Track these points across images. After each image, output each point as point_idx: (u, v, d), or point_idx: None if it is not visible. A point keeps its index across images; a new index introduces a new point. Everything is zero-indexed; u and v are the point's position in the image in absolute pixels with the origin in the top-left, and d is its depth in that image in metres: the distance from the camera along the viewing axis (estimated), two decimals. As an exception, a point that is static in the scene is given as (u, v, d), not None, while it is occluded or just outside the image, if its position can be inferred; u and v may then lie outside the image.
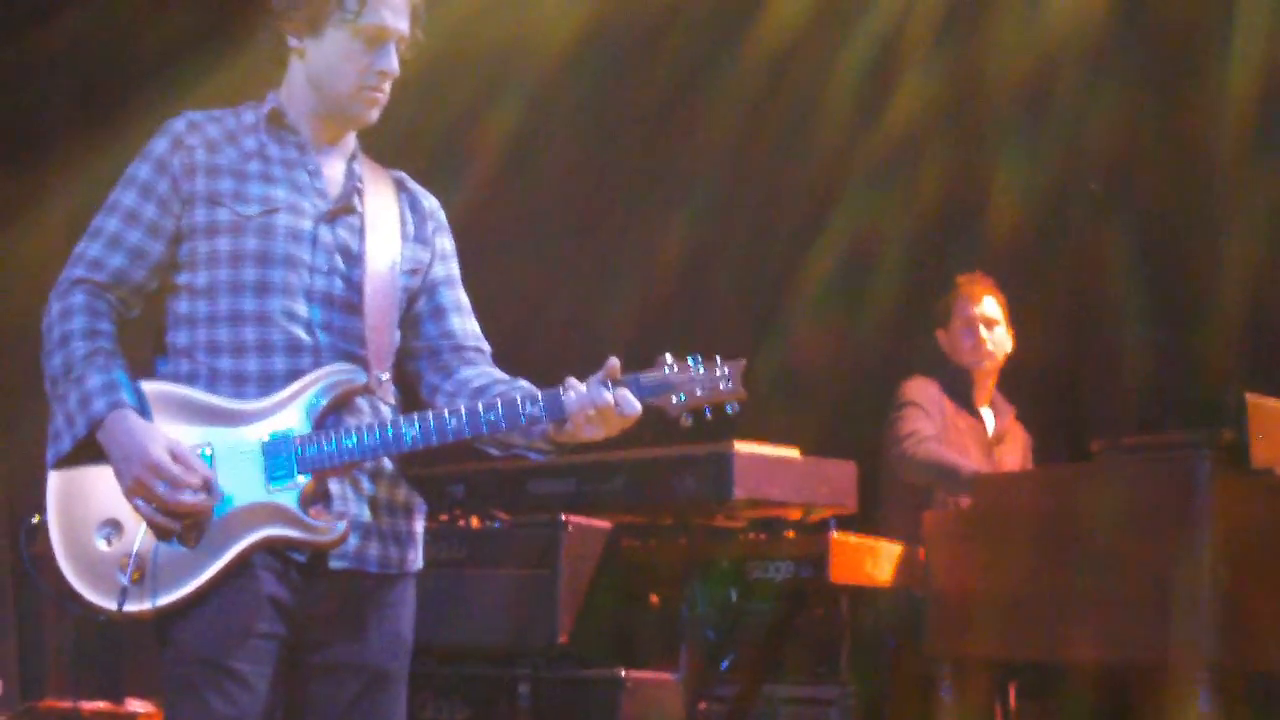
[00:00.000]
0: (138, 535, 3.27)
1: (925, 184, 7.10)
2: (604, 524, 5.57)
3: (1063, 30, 6.72)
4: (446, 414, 3.33)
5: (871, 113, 7.10)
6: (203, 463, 3.28)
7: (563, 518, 5.43)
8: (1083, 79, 6.76)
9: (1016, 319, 6.18)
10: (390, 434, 3.32)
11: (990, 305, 6.08)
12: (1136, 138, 6.71)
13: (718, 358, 3.36)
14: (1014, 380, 6.22)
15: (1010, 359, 6.13)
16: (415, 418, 3.33)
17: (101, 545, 3.29)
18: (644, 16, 7.01)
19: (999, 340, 6.08)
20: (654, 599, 5.57)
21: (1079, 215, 6.92)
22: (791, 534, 5.54)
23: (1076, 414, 6.85)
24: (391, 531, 3.45)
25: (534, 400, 3.32)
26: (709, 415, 3.35)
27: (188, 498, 3.25)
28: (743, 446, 5.33)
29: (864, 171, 7.16)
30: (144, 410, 3.31)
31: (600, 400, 3.28)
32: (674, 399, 3.33)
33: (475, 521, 5.57)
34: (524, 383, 3.47)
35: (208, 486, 3.26)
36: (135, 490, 3.26)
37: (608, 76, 7.30)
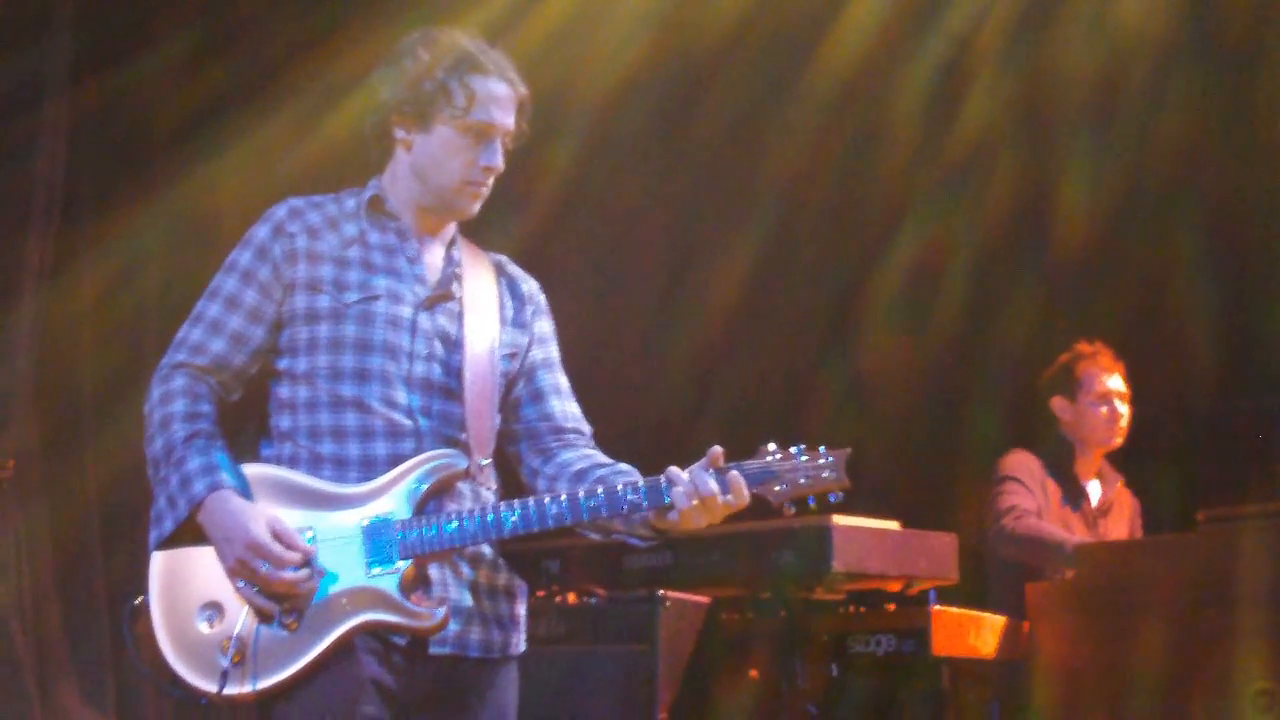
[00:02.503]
0: (239, 618, 3.28)
1: (993, 195, 7.05)
2: (702, 598, 5.52)
3: (1130, 31, 6.66)
4: (547, 500, 3.32)
5: (939, 128, 7.08)
6: (304, 541, 3.29)
7: (660, 593, 5.39)
8: (1151, 75, 6.70)
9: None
10: (491, 520, 3.32)
11: (1121, 381, 5.99)
12: (1204, 131, 6.65)
13: (822, 447, 3.33)
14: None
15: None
16: (516, 504, 3.33)
17: (203, 628, 3.30)
18: (710, 38, 7.04)
19: (1128, 415, 5.98)
20: (754, 673, 5.51)
21: (1146, 218, 6.86)
22: (892, 607, 5.49)
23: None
24: (493, 616, 3.45)
25: (635, 488, 3.31)
26: (812, 504, 3.32)
27: (289, 575, 3.26)
28: (841, 519, 5.28)
29: (932, 186, 7.15)
30: (246, 492, 3.33)
31: (705, 489, 3.26)
32: (777, 488, 3.30)
33: (572, 598, 5.55)
34: (625, 467, 3.46)
35: (309, 564, 3.27)
36: (237, 570, 3.28)
37: (672, 102, 7.34)
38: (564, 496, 3.32)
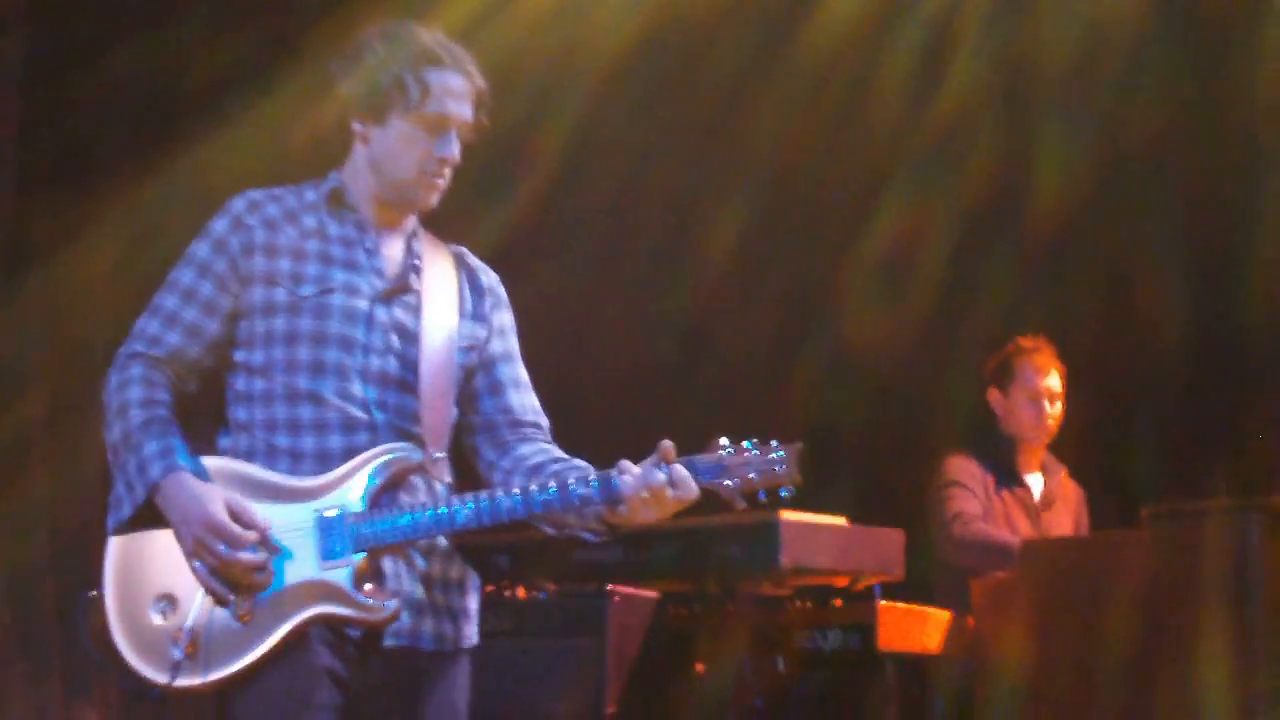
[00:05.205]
0: (192, 609, 3.29)
1: (971, 173, 7.09)
2: (650, 593, 5.55)
3: (1106, 14, 6.68)
4: (500, 494, 3.34)
5: (918, 106, 7.11)
6: (261, 517, 3.30)
7: (609, 587, 5.41)
8: (1126, 60, 6.73)
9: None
10: (444, 513, 3.33)
11: (1056, 380, 6.00)
12: (1178, 117, 6.68)
13: (773, 441, 3.34)
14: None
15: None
16: (469, 497, 3.34)
17: (156, 619, 3.31)
18: (689, 21, 7.04)
19: (1058, 415, 6.02)
20: (700, 668, 5.54)
21: (1120, 199, 6.90)
22: (839, 602, 5.52)
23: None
24: (446, 608, 3.47)
25: (586, 481, 3.33)
26: (763, 498, 3.34)
27: (246, 556, 3.27)
28: (789, 515, 5.29)
29: (911, 164, 7.18)
30: (203, 477, 3.34)
31: (655, 482, 3.28)
32: (727, 482, 3.32)
33: (521, 592, 5.57)
34: (580, 462, 3.47)
35: (266, 541, 3.28)
36: (195, 552, 3.28)
37: (653, 85, 7.33)
38: (517, 490, 3.34)
